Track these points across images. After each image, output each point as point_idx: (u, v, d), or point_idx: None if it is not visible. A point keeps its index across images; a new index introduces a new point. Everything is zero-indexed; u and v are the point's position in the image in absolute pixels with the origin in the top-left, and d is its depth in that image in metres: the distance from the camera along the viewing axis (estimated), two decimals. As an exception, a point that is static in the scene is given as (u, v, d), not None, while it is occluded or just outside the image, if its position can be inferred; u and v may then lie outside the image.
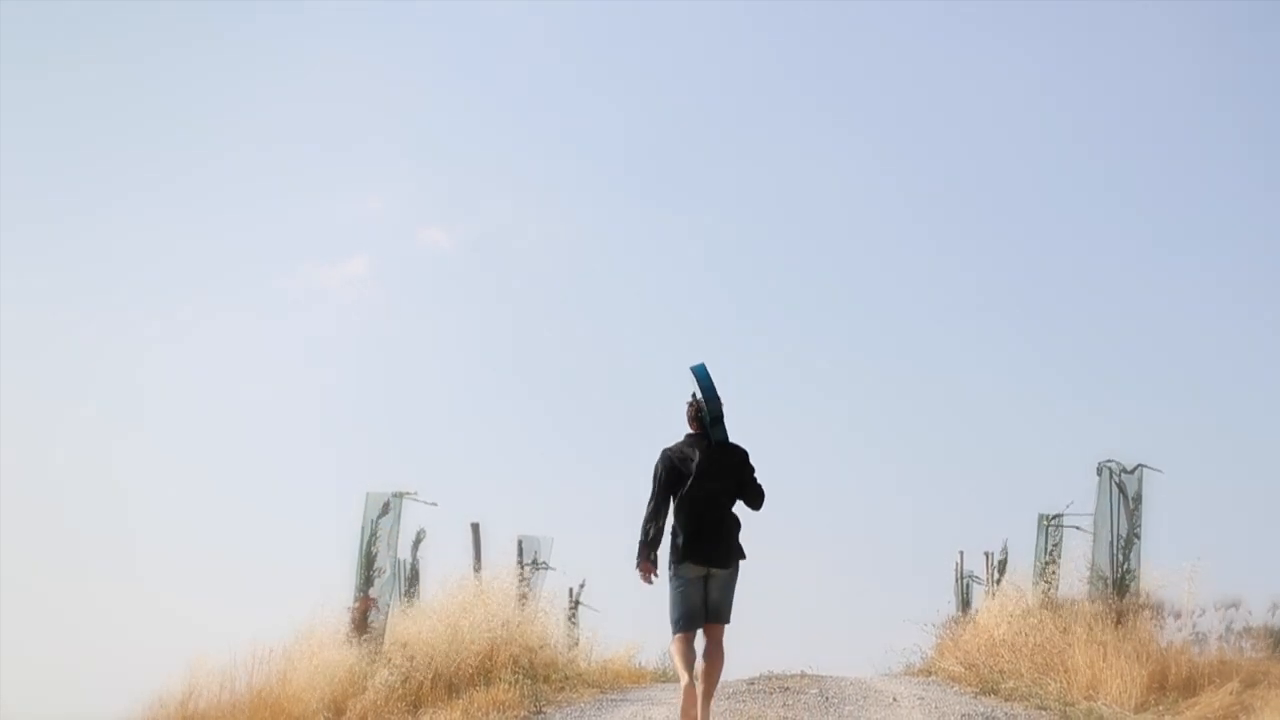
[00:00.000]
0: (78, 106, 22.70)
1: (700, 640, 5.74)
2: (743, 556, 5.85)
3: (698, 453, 5.84)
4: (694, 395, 5.98)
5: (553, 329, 23.72)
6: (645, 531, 5.81)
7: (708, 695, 5.64)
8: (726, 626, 5.78)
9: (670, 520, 5.81)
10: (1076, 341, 22.54)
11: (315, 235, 24.35)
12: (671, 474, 5.82)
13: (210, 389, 22.62)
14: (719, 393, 5.92)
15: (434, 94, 24.83)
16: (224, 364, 22.66)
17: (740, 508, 5.91)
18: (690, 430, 5.95)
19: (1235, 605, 7.39)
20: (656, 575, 5.81)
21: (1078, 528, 9.19)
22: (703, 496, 5.78)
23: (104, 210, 22.71)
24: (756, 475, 5.90)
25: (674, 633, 5.74)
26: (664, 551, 5.89)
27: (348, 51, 23.66)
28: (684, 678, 5.58)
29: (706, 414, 5.88)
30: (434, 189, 24.96)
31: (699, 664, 5.64)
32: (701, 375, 5.94)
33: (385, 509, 8.58)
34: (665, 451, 5.89)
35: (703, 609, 5.74)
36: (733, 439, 5.97)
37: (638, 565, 5.80)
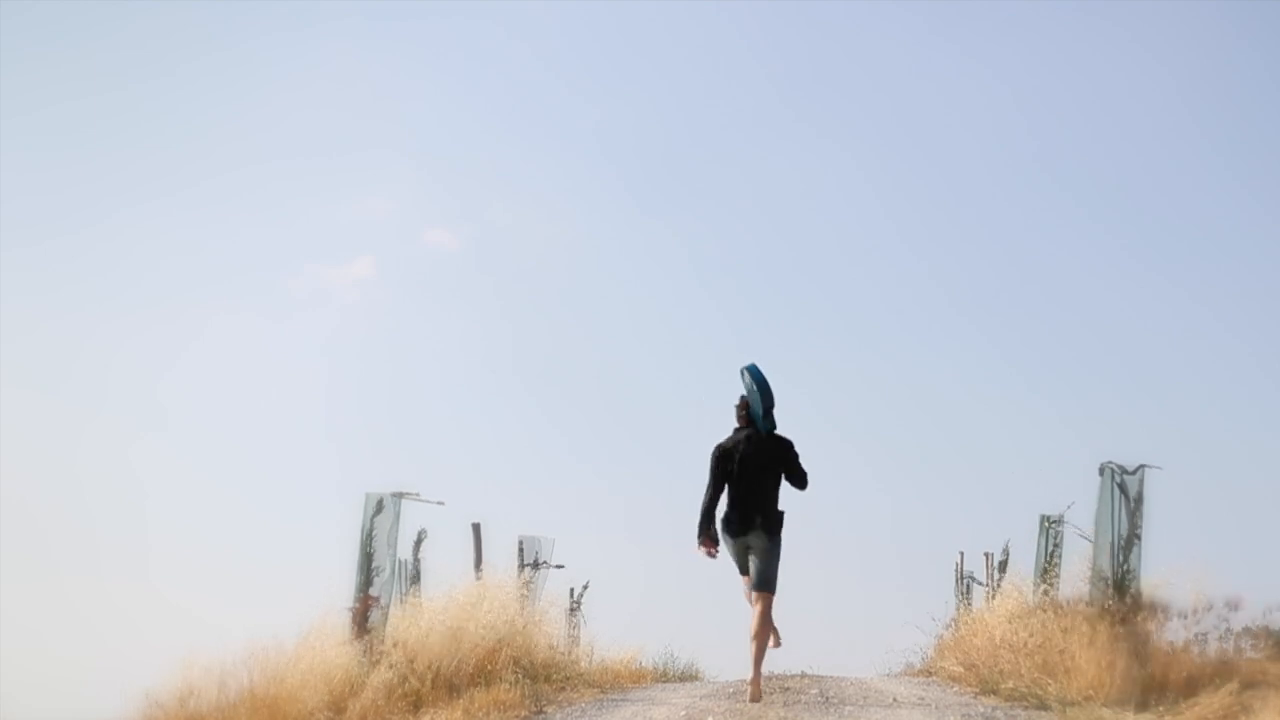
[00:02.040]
0: (87, 117, 22.84)
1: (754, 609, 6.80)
2: (780, 526, 6.82)
3: (746, 443, 6.88)
4: (743, 395, 7.01)
5: (556, 330, 23.75)
6: (703, 513, 6.88)
7: (757, 662, 6.73)
8: (773, 598, 6.77)
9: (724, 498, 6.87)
10: (1077, 342, 22.54)
11: (322, 237, 24.44)
12: (724, 462, 6.87)
13: (218, 390, 22.68)
14: (771, 389, 6.92)
15: (439, 97, 24.90)
16: (231, 365, 22.74)
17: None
18: (737, 424, 7.01)
19: (1236, 605, 7.37)
20: (717, 551, 6.88)
21: (1079, 532, 9.16)
22: (749, 479, 6.81)
23: (115, 216, 22.85)
24: (801, 461, 6.89)
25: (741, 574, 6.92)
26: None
27: (354, 57, 23.74)
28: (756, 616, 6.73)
29: (758, 407, 6.89)
30: (439, 191, 25.03)
31: (753, 625, 6.75)
32: (755, 374, 6.93)
33: (380, 507, 8.56)
34: (718, 445, 6.95)
35: (748, 560, 6.83)
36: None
37: (699, 543, 6.87)
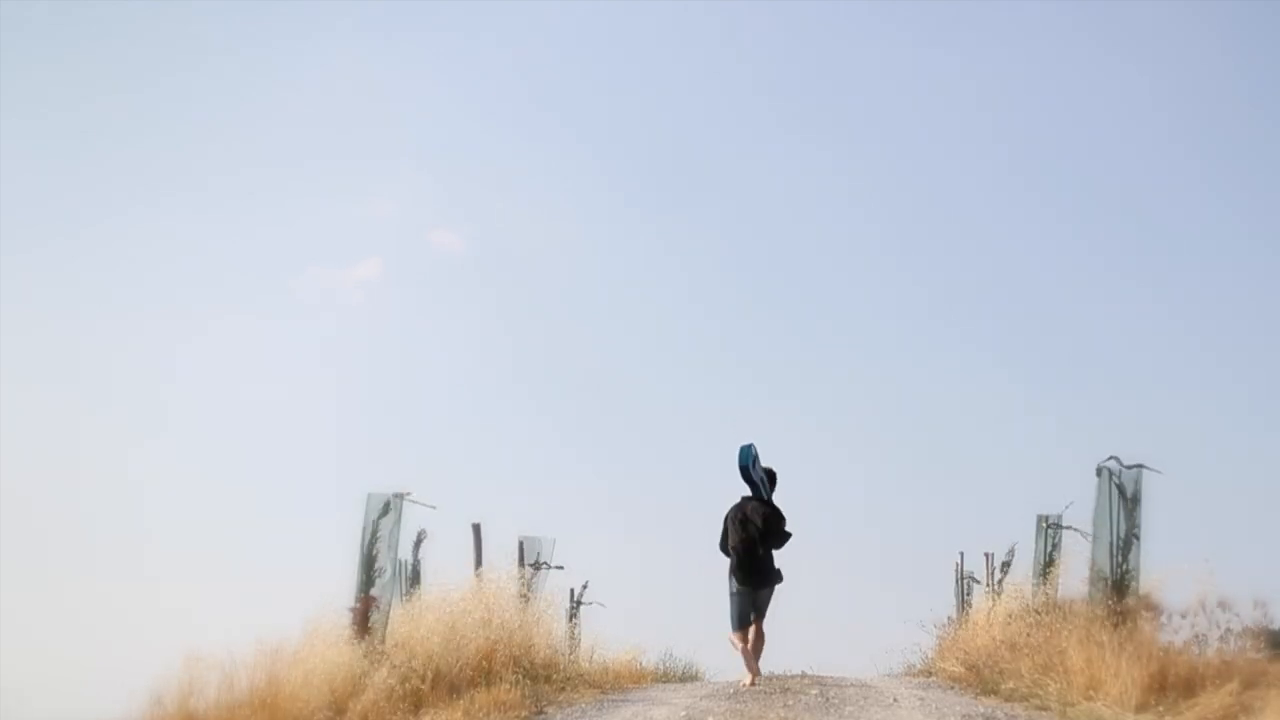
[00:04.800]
0: (91, 120, 22.85)
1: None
2: (780, 580, 8.52)
3: (748, 508, 8.50)
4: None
5: (558, 331, 23.77)
6: (722, 548, 8.64)
7: (757, 654, 8.46)
8: (765, 620, 8.54)
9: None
10: (1077, 342, 22.56)
11: (325, 239, 24.44)
12: (728, 524, 8.58)
13: (220, 391, 22.70)
14: (758, 469, 8.48)
15: (442, 99, 24.93)
16: (234, 366, 22.74)
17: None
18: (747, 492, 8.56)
19: (1235, 605, 7.37)
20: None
21: (1077, 530, 9.17)
22: (747, 539, 8.43)
23: (118, 217, 22.83)
24: (785, 526, 8.49)
25: (732, 629, 8.51)
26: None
27: (358, 60, 23.77)
28: (740, 651, 8.42)
29: (757, 479, 8.46)
30: (444, 192, 25.03)
31: (750, 638, 8.45)
32: (743, 457, 8.43)
33: (385, 509, 8.56)
34: (728, 512, 8.58)
35: (751, 611, 8.46)
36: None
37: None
